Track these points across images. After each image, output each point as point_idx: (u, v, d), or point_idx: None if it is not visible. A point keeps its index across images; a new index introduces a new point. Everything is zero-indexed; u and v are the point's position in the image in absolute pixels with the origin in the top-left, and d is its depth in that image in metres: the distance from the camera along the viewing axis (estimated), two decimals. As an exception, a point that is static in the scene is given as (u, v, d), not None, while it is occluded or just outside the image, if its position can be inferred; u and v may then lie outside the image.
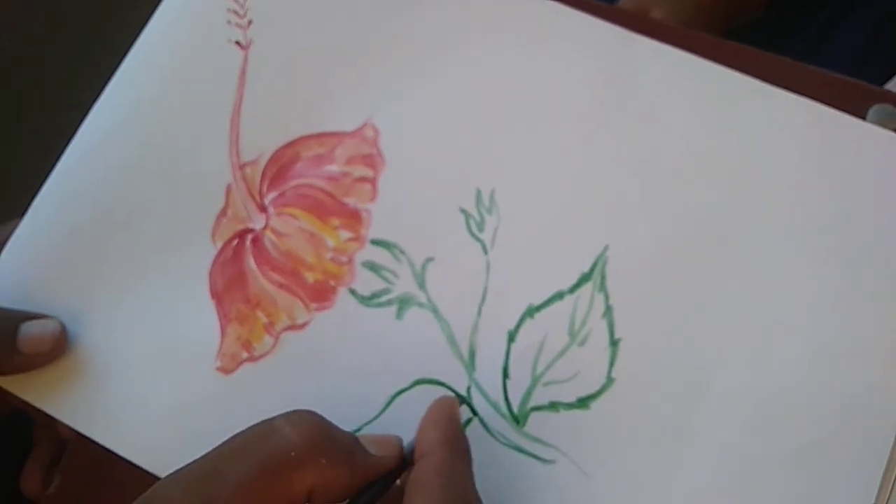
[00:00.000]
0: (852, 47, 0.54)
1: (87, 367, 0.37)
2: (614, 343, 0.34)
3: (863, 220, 0.34)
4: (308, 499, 0.28)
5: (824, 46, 0.55)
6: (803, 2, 0.56)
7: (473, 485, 0.29)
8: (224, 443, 0.28)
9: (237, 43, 0.39)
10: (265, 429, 0.28)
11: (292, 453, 0.27)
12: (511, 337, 0.34)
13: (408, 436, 0.31)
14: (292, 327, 0.36)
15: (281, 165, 0.38)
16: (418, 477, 0.29)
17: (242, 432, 0.28)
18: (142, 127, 0.39)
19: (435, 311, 0.35)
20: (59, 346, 0.36)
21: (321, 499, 0.28)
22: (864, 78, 0.37)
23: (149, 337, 0.37)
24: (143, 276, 0.37)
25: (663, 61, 0.36)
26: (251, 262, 0.37)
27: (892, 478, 0.31)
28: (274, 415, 0.29)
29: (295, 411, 0.29)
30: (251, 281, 0.37)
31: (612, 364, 0.34)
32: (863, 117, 0.35)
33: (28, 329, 0.36)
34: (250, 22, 0.39)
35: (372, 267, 0.36)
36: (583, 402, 0.33)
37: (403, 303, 0.36)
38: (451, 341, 0.35)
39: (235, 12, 0.39)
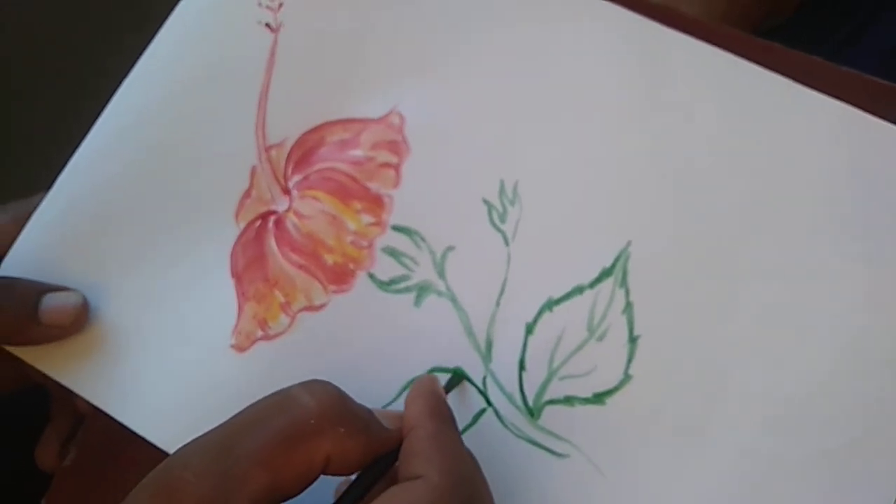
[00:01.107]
0: (882, 52, 0.53)
1: (105, 342, 0.36)
2: (633, 340, 0.33)
3: (889, 224, 0.33)
4: (324, 467, 0.28)
5: (853, 51, 0.54)
6: (833, 6, 0.55)
7: (464, 446, 0.30)
8: (241, 412, 0.28)
9: (267, 25, 0.38)
10: (283, 398, 0.28)
11: (312, 421, 0.27)
12: (529, 329, 0.34)
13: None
14: (309, 308, 0.36)
15: (306, 149, 0.37)
16: (411, 447, 0.29)
17: (260, 401, 0.28)
18: (168, 107, 0.38)
19: (453, 300, 0.35)
20: (80, 319, 0.36)
21: (337, 468, 0.28)
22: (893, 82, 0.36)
23: (168, 314, 0.36)
24: (165, 253, 0.37)
25: (694, 57, 0.35)
26: (272, 243, 0.37)
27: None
28: None
29: (313, 380, 0.29)
30: (271, 261, 0.36)
31: (630, 361, 0.33)
32: (894, 120, 0.34)
33: (50, 301, 0.36)
34: (281, 4, 0.38)
35: (392, 253, 0.36)
36: (599, 398, 0.33)
37: (422, 290, 0.35)
38: (469, 331, 0.34)
39: (267, -6, 0.39)
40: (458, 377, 0.34)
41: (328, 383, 0.29)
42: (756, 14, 0.54)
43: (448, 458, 0.28)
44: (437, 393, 0.31)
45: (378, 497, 0.27)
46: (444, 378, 0.34)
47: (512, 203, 0.35)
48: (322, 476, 0.28)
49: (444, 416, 0.30)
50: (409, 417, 0.30)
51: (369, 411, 0.29)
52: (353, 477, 0.29)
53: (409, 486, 0.27)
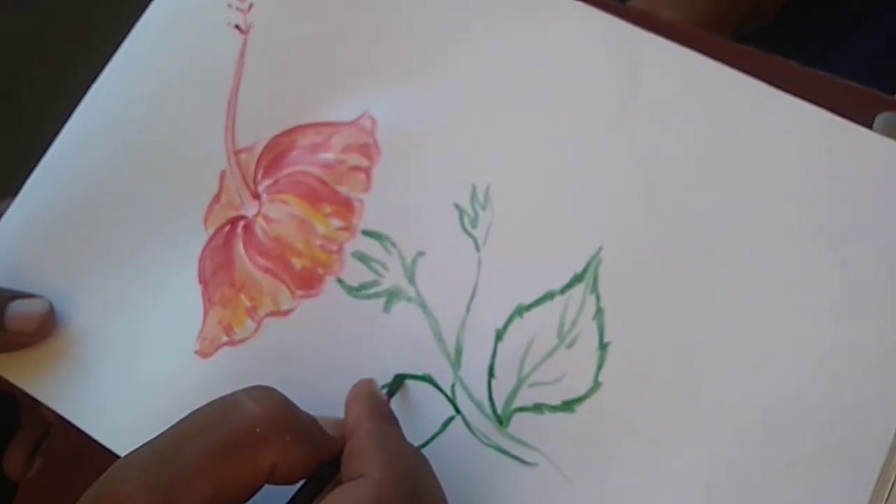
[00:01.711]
0: (863, 57, 0.52)
1: (71, 350, 0.36)
2: (603, 346, 0.32)
3: (864, 231, 0.32)
4: (269, 476, 0.27)
5: (834, 55, 0.53)
6: (815, 11, 0.54)
7: (406, 442, 0.29)
8: (184, 419, 0.27)
9: (237, 27, 0.38)
10: (226, 405, 0.27)
11: (257, 429, 0.27)
12: (499, 336, 0.33)
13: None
14: (276, 313, 0.35)
15: (276, 153, 0.37)
16: (352, 448, 0.28)
17: (202, 408, 0.27)
18: (138, 109, 0.38)
19: (423, 305, 0.34)
20: (46, 326, 0.36)
21: (282, 476, 0.27)
22: (875, 88, 0.36)
23: (135, 321, 0.36)
24: (133, 259, 0.36)
25: (669, 59, 0.34)
26: (240, 248, 0.36)
27: (885, 494, 0.30)
28: None
29: (256, 386, 0.28)
30: (238, 265, 0.36)
31: (599, 368, 0.32)
32: (870, 125, 0.34)
33: (16, 307, 0.35)
34: (251, 6, 0.38)
35: (361, 258, 0.35)
36: (568, 406, 0.32)
37: (392, 296, 0.34)
38: (438, 337, 0.34)
39: (237, -4, 0.38)
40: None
41: (272, 389, 0.28)
42: (735, 17, 0.53)
43: (388, 453, 0.28)
44: (375, 394, 0.31)
45: (322, 500, 0.26)
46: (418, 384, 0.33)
47: (483, 208, 0.34)
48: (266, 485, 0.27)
49: (383, 416, 0.30)
50: (349, 421, 0.30)
51: (313, 418, 0.29)
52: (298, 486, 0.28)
53: (352, 485, 0.27)
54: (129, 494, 0.25)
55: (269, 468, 0.27)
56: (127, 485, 0.25)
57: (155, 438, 0.27)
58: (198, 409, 0.27)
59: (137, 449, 0.26)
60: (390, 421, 0.30)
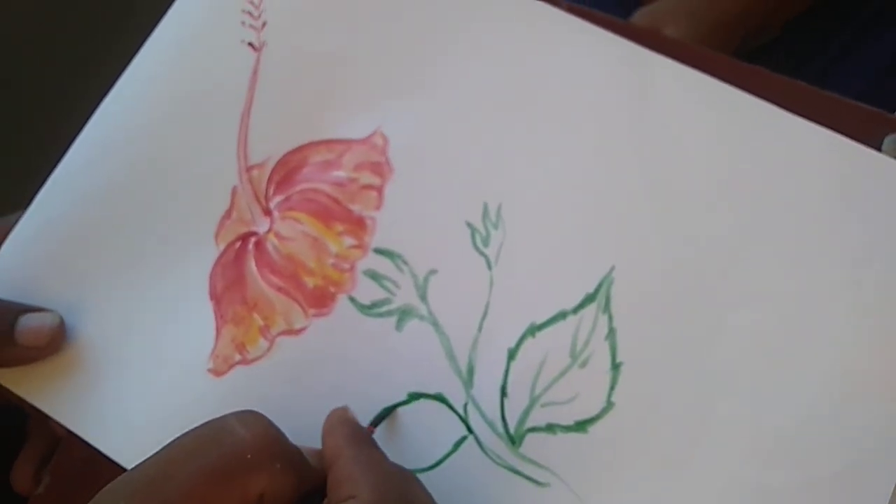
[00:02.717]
0: (869, 71, 0.52)
1: (81, 365, 0.35)
2: (616, 367, 0.32)
3: (874, 253, 0.32)
4: None
5: (839, 69, 0.53)
6: (820, 25, 0.54)
7: (392, 463, 0.29)
8: (172, 443, 0.26)
9: (250, 44, 0.37)
10: (216, 430, 0.27)
11: (248, 456, 0.26)
12: (511, 355, 0.33)
13: (402, 447, 0.29)
14: (289, 332, 0.35)
15: (288, 170, 0.36)
16: (337, 475, 0.28)
17: (191, 432, 0.27)
18: (150, 124, 0.37)
19: (435, 324, 0.34)
20: (56, 340, 0.35)
21: None
22: (881, 102, 0.36)
23: (145, 336, 0.35)
24: (144, 275, 0.36)
25: (680, 81, 0.34)
26: (252, 265, 0.36)
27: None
28: None
29: (245, 411, 0.28)
30: (250, 283, 0.35)
31: (612, 388, 0.32)
32: (878, 146, 0.34)
33: (27, 321, 0.35)
34: (265, 24, 0.38)
35: (374, 276, 0.35)
36: (581, 426, 0.32)
37: (404, 314, 0.34)
38: (450, 356, 0.33)
39: (250, 13, 0.38)
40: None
41: (261, 415, 0.28)
42: (741, 32, 0.53)
43: (375, 474, 0.27)
44: (350, 420, 0.30)
45: None
46: (408, 408, 0.33)
47: (495, 226, 0.34)
48: None
49: (363, 440, 0.29)
50: (328, 450, 0.29)
51: (298, 448, 0.28)
52: None
53: None
54: None
55: (258, 496, 0.26)
56: None
57: (143, 462, 0.26)
58: (186, 433, 0.27)
59: (125, 474, 0.26)
60: (370, 444, 0.30)
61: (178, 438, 0.27)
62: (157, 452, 0.26)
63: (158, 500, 0.25)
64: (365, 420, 0.32)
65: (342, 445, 0.29)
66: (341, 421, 0.30)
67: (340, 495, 0.27)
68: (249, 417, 0.27)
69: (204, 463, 0.26)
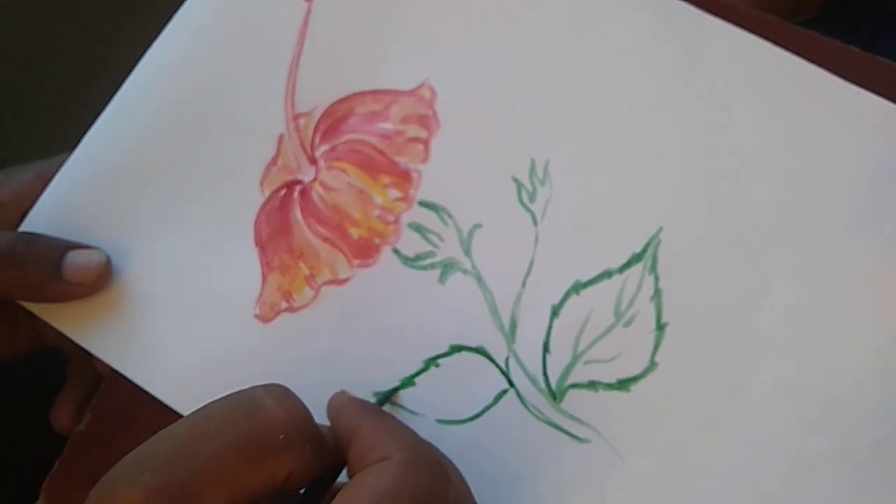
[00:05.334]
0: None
1: (126, 304, 0.35)
2: (661, 327, 0.31)
3: None
4: (283, 484, 0.25)
5: (877, 50, 0.52)
6: (858, 5, 0.53)
7: (408, 428, 0.27)
8: (195, 414, 0.25)
9: (302, -7, 0.36)
10: (247, 403, 0.25)
11: (281, 436, 0.24)
12: (555, 312, 0.32)
13: (442, 399, 0.28)
14: (334, 282, 0.34)
15: (335, 119, 0.35)
16: (359, 448, 0.26)
17: (217, 403, 0.25)
18: (198, 70, 0.36)
19: (479, 278, 0.33)
20: (102, 278, 0.34)
21: (293, 485, 0.25)
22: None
23: (190, 278, 0.35)
24: (188, 217, 0.35)
25: (732, 44, 0.33)
26: (297, 214, 0.35)
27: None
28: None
29: (275, 385, 0.26)
30: (296, 232, 0.34)
31: (656, 348, 0.31)
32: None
33: (74, 258, 0.34)
34: (316, -27, 0.36)
35: (418, 229, 0.34)
36: (623, 385, 0.31)
37: (447, 267, 0.33)
38: (493, 310, 0.32)
39: (302, -38, 0.37)
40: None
41: (290, 391, 0.26)
42: (779, 11, 0.51)
43: (403, 436, 0.26)
44: (357, 399, 0.29)
45: (344, 486, 0.24)
46: (449, 360, 0.32)
47: (542, 183, 0.33)
48: None
49: (378, 411, 0.28)
50: (343, 427, 0.27)
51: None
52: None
53: (375, 467, 0.25)
54: (138, 497, 0.22)
55: (286, 476, 0.24)
56: (136, 488, 0.23)
57: (167, 432, 0.24)
58: (212, 404, 0.25)
59: (144, 446, 0.24)
60: (389, 414, 0.28)
61: (203, 409, 0.25)
62: (182, 421, 0.24)
63: (182, 476, 0.23)
64: (402, 372, 0.31)
65: (360, 419, 0.27)
66: (348, 401, 0.28)
67: (370, 461, 0.25)
68: (282, 394, 0.25)
69: (232, 439, 0.24)
